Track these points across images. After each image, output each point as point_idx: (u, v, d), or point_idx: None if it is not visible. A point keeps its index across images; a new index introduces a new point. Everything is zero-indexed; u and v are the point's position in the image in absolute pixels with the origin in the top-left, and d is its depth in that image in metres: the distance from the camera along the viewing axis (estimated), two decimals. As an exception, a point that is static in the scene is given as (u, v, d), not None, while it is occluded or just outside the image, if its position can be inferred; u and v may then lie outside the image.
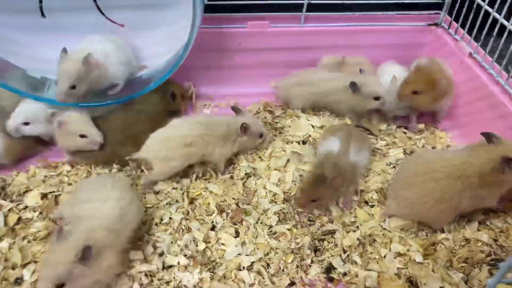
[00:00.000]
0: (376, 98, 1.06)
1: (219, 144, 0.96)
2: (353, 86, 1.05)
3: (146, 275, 0.79)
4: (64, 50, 0.94)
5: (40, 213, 0.90)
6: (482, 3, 1.07)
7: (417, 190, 0.83)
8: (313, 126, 1.10)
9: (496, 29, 1.01)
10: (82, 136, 0.95)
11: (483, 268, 0.80)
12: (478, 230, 0.87)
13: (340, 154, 0.91)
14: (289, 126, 1.12)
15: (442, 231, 0.87)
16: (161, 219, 0.89)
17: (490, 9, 1.04)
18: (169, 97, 1.10)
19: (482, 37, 1.07)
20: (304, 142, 1.06)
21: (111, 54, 0.98)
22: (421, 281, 0.79)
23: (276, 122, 1.14)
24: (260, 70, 1.24)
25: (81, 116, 0.97)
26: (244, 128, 0.97)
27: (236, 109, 1.03)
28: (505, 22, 1.00)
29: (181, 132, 0.94)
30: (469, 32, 1.13)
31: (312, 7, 1.18)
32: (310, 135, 1.08)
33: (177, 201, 0.93)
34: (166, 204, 0.92)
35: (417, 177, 0.84)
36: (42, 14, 1.02)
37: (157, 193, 0.95)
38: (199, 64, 1.19)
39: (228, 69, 1.24)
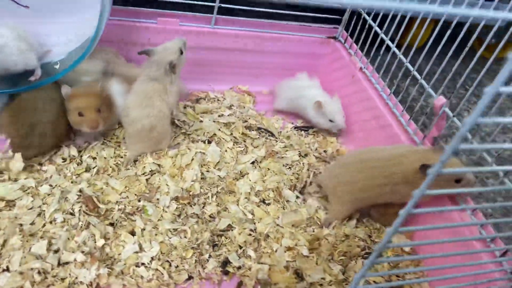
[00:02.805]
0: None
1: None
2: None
3: (39, 272, 0.78)
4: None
5: None
6: (372, 23, 1.20)
7: (348, 175, 0.95)
8: (219, 128, 1.15)
9: (384, 47, 1.15)
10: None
11: (358, 260, 0.92)
12: (356, 227, 0.99)
13: None
14: (192, 126, 1.14)
15: (327, 227, 0.98)
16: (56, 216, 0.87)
17: (378, 30, 1.17)
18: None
19: (372, 54, 1.21)
20: (209, 142, 1.10)
21: (8, 43, 0.92)
22: (306, 273, 0.88)
23: (184, 121, 1.16)
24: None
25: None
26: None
27: (146, 52, 1.00)
28: (390, 44, 1.13)
29: None
30: (362, 48, 1.26)
31: (224, 11, 1.22)
32: (215, 134, 1.13)
33: (77, 195, 0.91)
34: (63, 198, 0.90)
35: (353, 164, 0.96)
36: None
37: (53, 187, 0.93)
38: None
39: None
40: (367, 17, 1.24)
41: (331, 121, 1.19)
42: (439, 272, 0.87)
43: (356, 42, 1.29)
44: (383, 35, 1.16)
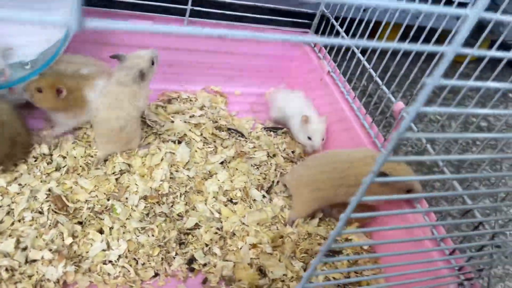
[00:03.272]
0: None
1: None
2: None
3: (6, 269, 0.80)
4: None
5: None
6: (339, 28, 1.25)
7: (310, 176, 0.99)
8: (190, 128, 1.18)
9: (350, 52, 1.19)
10: None
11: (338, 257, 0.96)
12: (319, 225, 1.04)
13: None
14: (163, 126, 1.17)
15: (291, 225, 1.02)
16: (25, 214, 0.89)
17: (344, 34, 1.22)
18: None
19: (339, 58, 1.25)
20: (179, 142, 1.13)
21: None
22: (268, 269, 0.92)
23: (155, 121, 1.18)
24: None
25: None
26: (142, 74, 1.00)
27: (118, 56, 1.01)
28: (355, 49, 1.18)
29: None
30: (330, 52, 1.31)
31: (197, 14, 1.25)
32: (186, 134, 1.16)
33: (46, 194, 0.93)
34: (32, 197, 0.92)
35: (315, 166, 1.00)
36: None
37: (23, 186, 0.94)
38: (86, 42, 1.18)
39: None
40: (334, 22, 1.28)
41: (309, 138, 1.18)
42: (394, 269, 0.93)
43: (325, 46, 1.33)
44: (348, 41, 1.20)
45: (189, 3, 1.22)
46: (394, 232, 0.96)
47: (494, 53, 0.42)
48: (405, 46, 0.38)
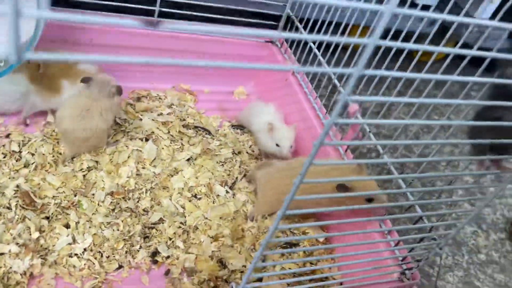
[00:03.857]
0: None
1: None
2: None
3: (-26, 263, 0.84)
4: None
5: None
6: (302, 30, 1.30)
7: (278, 178, 1.04)
8: (157, 126, 1.22)
9: (312, 54, 1.25)
10: None
11: (277, 249, 1.02)
12: (278, 220, 1.10)
13: None
14: (131, 124, 1.21)
15: (252, 220, 1.08)
16: (-6, 209, 0.93)
17: (304, 33, 1.27)
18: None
19: (303, 59, 1.31)
20: (146, 140, 1.17)
21: None
22: (228, 261, 0.97)
23: (124, 119, 1.22)
24: (111, 67, 1.30)
25: None
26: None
27: (86, 79, 1.06)
28: (316, 51, 1.24)
29: None
30: (296, 53, 1.36)
31: (166, 16, 1.29)
32: (153, 132, 1.20)
33: (14, 191, 0.97)
34: (0, 193, 0.96)
35: (284, 170, 1.05)
36: None
37: (-9, 183, 0.98)
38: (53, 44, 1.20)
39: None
40: (297, 23, 1.34)
41: (277, 145, 1.19)
42: (346, 259, 0.99)
43: (291, 47, 1.39)
44: (311, 44, 1.26)
45: (158, 4, 1.26)
46: (347, 227, 1.03)
47: (411, 45, 0.45)
48: (335, 39, 0.42)
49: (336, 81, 1.16)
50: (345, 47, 1.16)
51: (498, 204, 1.54)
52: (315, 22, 1.26)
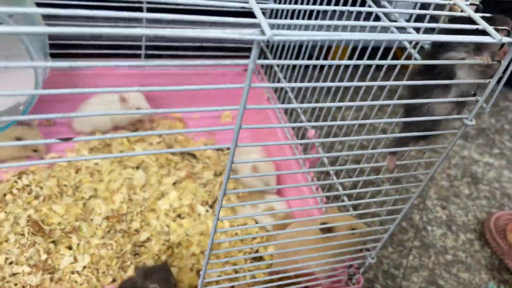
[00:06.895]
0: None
1: None
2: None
3: (-3, 280, 1.04)
4: None
5: None
6: (269, 56, 1.46)
7: None
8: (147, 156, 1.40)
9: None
10: None
11: (247, 260, 1.19)
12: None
13: None
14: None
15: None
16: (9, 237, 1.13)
17: (271, 58, 1.43)
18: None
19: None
20: (137, 168, 1.36)
21: None
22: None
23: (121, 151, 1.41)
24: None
25: None
26: None
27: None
28: (282, 78, 1.39)
29: None
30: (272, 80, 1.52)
31: (153, 57, 1.47)
32: (143, 161, 1.38)
33: (26, 220, 1.17)
34: (16, 223, 1.16)
35: None
36: None
37: (8, 213, 1.18)
38: (53, 98, 1.41)
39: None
40: (268, 54, 1.50)
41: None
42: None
43: (265, 73, 1.55)
44: (279, 74, 1.42)
45: (143, 40, 1.44)
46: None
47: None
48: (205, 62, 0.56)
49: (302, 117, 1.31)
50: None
51: (471, 206, 1.64)
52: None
